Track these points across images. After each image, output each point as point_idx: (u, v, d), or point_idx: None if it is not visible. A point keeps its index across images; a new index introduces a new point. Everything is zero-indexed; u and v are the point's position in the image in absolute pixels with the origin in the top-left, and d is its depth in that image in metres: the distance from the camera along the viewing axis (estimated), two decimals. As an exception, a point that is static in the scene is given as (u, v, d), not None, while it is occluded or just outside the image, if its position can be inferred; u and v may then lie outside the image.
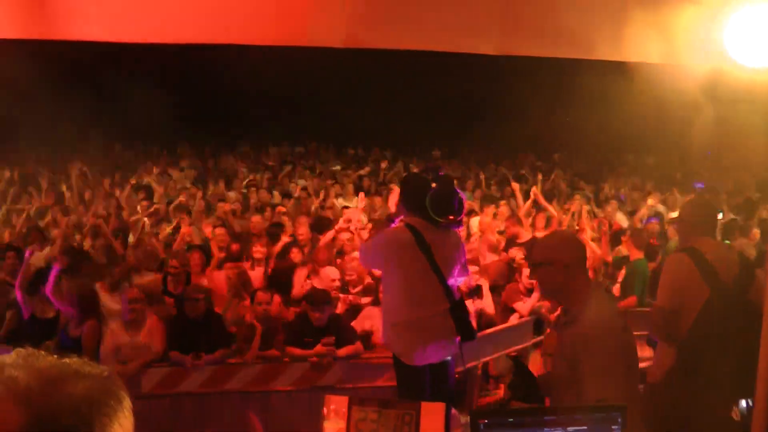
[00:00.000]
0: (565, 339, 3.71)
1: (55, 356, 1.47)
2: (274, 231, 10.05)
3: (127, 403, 1.44)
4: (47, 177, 15.03)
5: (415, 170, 15.57)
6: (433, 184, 5.53)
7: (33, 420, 1.32)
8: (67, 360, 1.45)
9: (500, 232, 10.57)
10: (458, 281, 5.67)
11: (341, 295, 8.13)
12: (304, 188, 14.52)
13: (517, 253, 9.14)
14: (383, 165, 18.40)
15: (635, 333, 7.22)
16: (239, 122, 21.33)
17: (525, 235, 10.37)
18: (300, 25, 3.99)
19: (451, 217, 5.42)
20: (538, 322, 8.65)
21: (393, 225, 5.77)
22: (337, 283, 8.21)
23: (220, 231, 9.29)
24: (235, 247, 8.93)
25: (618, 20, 4.21)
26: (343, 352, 7.16)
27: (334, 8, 3.90)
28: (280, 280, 8.43)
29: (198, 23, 4.08)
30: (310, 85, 20.86)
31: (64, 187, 13.77)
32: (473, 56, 4.35)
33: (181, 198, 12.67)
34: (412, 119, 20.47)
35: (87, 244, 9.68)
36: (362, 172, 17.27)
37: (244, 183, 15.09)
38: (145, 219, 10.80)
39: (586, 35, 4.25)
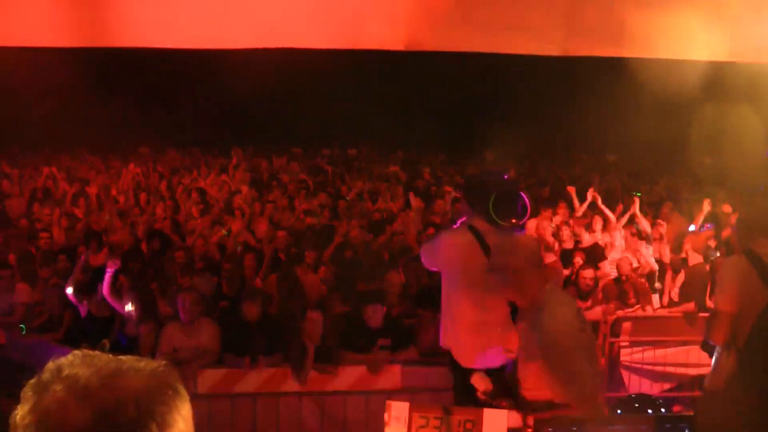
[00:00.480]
0: (527, 340, 3.90)
1: (111, 355, 1.50)
2: (327, 233, 10.06)
3: (184, 392, 1.48)
4: (100, 181, 15.29)
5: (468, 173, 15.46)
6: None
7: (96, 415, 1.36)
8: (122, 357, 1.49)
9: (554, 235, 10.46)
10: None
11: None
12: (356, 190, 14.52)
13: (578, 259, 9.08)
14: (431, 168, 18.33)
15: (695, 338, 7.08)
16: (291, 125, 21.41)
17: (587, 240, 10.27)
18: (361, 28, 3.97)
19: (514, 221, 5.35)
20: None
21: (455, 226, 5.72)
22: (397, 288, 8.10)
23: (281, 234, 9.32)
24: (294, 250, 8.91)
25: (683, 19, 4.12)
26: (399, 355, 7.12)
27: (396, 11, 3.87)
28: (341, 279, 8.41)
29: (255, 28, 4.08)
30: (363, 88, 20.87)
31: (114, 191, 13.98)
32: (525, 57, 4.30)
33: (236, 200, 12.76)
34: (465, 122, 20.39)
35: (143, 246, 9.81)
36: (412, 174, 17.25)
37: (291, 186, 15.16)
38: (199, 222, 10.88)
39: (649, 35, 4.17)
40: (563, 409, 3.72)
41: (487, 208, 5.33)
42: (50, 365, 1.47)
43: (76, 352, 1.50)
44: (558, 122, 20.28)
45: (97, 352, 1.52)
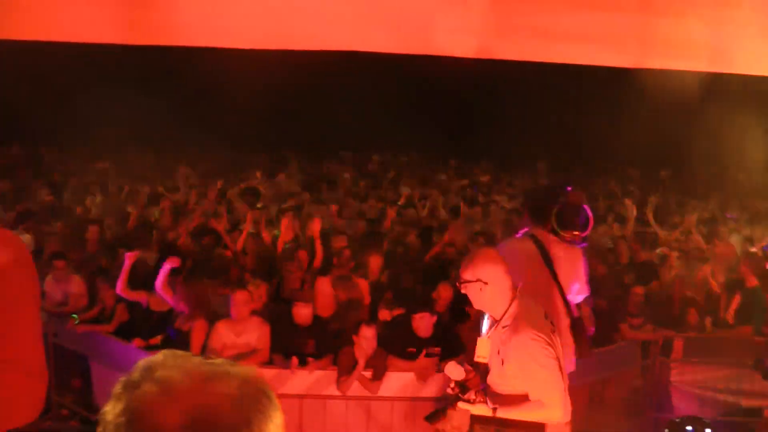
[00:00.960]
0: (505, 344, 4.13)
1: (200, 357, 1.48)
2: (376, 239, 10.04)
3: (276, 401, 1.46)
4: (153, 178, 15.49)
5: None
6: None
7: (192, 419, 1.34)
8: (213, 360, 1.47)
9: (610, 249, 10.35)
10: (577, 299, 5.56)
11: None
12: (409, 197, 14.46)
13: (630, 276, 8.97)
14: (485, 178, 18.21)
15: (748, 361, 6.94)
16: (343, 128, 21.39)
17: (642, 256, 10.14)
18: (431, 34, 3.94)
19: (576, 233, 5.33)
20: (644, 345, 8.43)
21: (517, 236, 5.68)
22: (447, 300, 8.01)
23: (339, 238, 9.32)
24: (347, 252, 8.84)
25: (758, 34, 4.04)
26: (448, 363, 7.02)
27: (469, 19, 3.85)
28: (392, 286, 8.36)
29: (322, 30, 4.07)
30: (416, 95, 20.80)
31: (161, 189, 14.13)
32: (577, 68, 4.26)
33: (290, 202, 12.79)
34: (516, 132, 20.23)
35: (188, 243, 9.82)
36: (463, 182, 17.14)
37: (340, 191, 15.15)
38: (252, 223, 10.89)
39: (724, 49, 4.09)
40: (534, 404, 4.00)
41: (550, 219, 5.32)
42: (140, 364, 1.45)
43: (166, 351, 1.49)
44: (609, 135, 19.97)
45: (187, 353, 1.50)
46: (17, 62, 14.42)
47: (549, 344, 4.10)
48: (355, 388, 6.99)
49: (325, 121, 21.73)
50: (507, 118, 20.79)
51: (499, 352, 4.16)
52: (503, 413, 3.97)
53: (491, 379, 4.21)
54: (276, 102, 20.47)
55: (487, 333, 4.27)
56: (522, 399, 4.05)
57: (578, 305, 6.56)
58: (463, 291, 4.31)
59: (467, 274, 4.22)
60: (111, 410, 1.39)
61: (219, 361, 1.47)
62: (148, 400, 1.36)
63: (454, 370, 4.12)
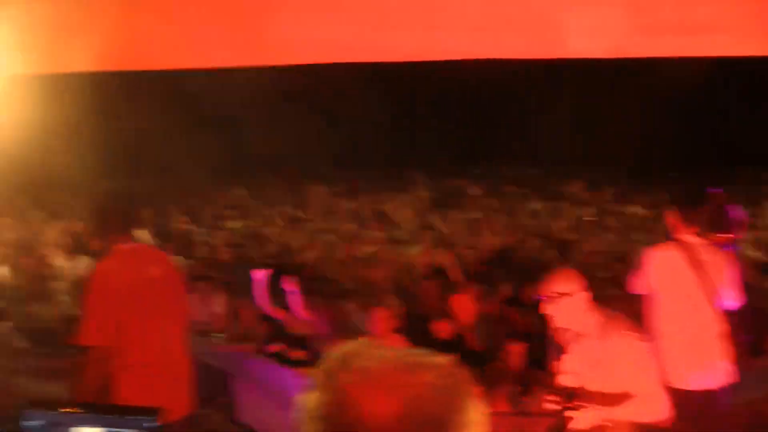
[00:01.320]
0: (594, 353, 4.19)
1: (392, 347, 1.47)
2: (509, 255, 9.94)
3: (474, 388, 1.43)
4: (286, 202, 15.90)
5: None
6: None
7: (404, 408, 1.32)
8: (413, 351, 1.45)
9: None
10: (729, 306, 5.38)
11: None
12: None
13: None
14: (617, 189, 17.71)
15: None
16: (470, 143, 21.17)
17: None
18: (564, 37, 3.89)
19: (730, 235, 5.20)
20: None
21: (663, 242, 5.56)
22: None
23: (470, 253, 9.30)
24: (481, 268, 8.80)
25: None
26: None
27: (600, 20, 3.78)
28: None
29: (454, 40, 4.07)
30: (543, 104, 20.35)
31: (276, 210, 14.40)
32: (661, 60, 4.11)
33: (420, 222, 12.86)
34: (648, 139, 19.50)
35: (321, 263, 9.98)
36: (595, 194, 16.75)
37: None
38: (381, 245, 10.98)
39: None
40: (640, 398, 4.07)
41: (699, 221, 5.19)
42: (335, 353, 1.44)
43: (359, 340, 1.48)
44: (709, 131, 18.94)
45: (378, 343, 1.49)
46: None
47: (640, 338, 4.23)
48: (501, 403, 6.89)
49: (452, 136, 21.53)
50: (637, 125, 20.02)
51: (587, 361, 4.21)
52: (611, 413, 4.05)
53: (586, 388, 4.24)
54: (398, 119, 20.50)
55: (571, 347, 4.33)
56: (624, 396, 4.11)
57: (729, 313, 6.31)
58: (546, 309, 4.30)
59: (562, 287, 4.25)
60: (315, 401, 1.38)
61: (413, 351, 1.46)
62: (356, 390, 1.35)
63: (570, 380, 4.17)
